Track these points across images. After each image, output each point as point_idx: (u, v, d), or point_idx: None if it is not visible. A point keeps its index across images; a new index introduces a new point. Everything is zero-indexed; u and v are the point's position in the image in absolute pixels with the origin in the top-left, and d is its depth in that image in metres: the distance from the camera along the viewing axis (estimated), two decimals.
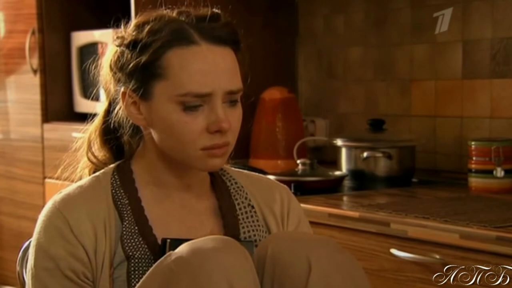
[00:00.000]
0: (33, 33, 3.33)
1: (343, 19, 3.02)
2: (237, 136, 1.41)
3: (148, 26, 1.37)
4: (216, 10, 1.40)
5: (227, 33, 1.38)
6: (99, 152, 1.50)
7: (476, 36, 2.58)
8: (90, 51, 3.20)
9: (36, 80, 3.35)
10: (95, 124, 1.50)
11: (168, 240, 1.34)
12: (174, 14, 1.39)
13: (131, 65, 1.37)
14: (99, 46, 3.15)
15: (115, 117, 1.45)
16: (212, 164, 1.39)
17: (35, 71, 3.35)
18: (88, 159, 1.50)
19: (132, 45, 1.37)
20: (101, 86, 1.48)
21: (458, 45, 2.63)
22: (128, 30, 1.40)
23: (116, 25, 1.48)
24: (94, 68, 1.49)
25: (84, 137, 1.51)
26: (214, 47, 1.36)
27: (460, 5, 2.62)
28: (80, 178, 1.51)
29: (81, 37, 3.28)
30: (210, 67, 1.35)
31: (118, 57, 1.40)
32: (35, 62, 3.35)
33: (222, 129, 1.35)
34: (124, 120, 1.44)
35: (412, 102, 2.79)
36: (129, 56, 1.37)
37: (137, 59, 1.36)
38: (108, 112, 1.48)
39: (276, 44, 3.15)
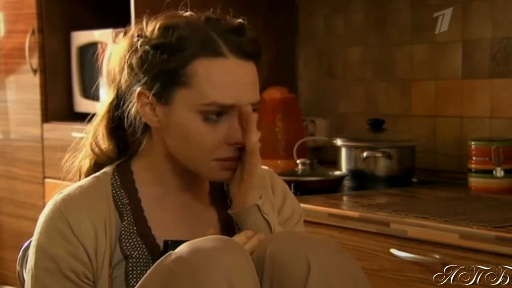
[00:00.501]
0: (33, 33, 3.33)
1: (343, 19, 3.02)
2: None
3: (177, 32, 1.36)
4: (242, 21, 1.41)
5: (254, 48, 1.40)
6: (103, 143, 1.48)
7: (476, 36, 2.58)
8: (90, 51, 3.20)
9: (36, 80, 3.35)
10: (101, 115, 1.48)
11: (169, 242, 1.34)
12: (202, 20, 1.39)
13: (156, 67, 1.36)
14: (99, 46, 3.15)
15: (127, 115, 1.42)
16: (221, 176, 1.40)
17: (35, 71, 3.35)
18: (91, 148, 1.48)
19: (160, 48, 1.36)
20: (106, 77, 1.47)
21: (458, 45, 2.63)
22: (155, 31, 1.38)
23: (122, 26, 1.47)
24: (102, 61, 1.48)
25: (89, 128, 1.49)
26: (241, 61, 1.37)
27: (460, 5, 2.62)
28: (80, 169, 1.50)
29: (81, 37, 3.28)
30: (236, 81, 1.36)
31: (141, 56, 1.38)
32: (35, 62, 3.35)
33: (241, 143, 1.37)
34: (137, 118, 1.42)
35: (412, 102, 2.79)
36: (155, 59, 1.36)
37: (163, 63, 1.35)
38: (115, 106, 1.46)
39: (276, 44, 3.15)
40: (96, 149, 1.48)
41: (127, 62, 1.40)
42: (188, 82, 1.35)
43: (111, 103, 1.47)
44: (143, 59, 1.37)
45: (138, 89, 1.38)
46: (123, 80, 1.42)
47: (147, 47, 1.37)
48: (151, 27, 1.39)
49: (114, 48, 1.44)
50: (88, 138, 1.49)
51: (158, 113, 1.38)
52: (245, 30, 1.40)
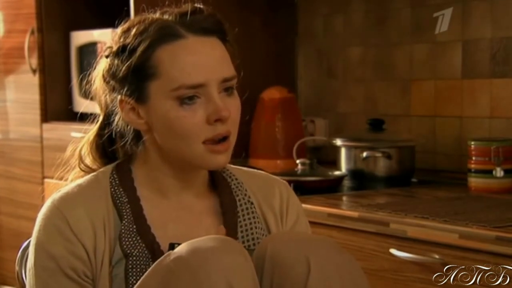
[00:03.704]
0: (32, 32, 3.33)
1: (343, 19, 3.01)
2: (237, 128, 1.40)
3: (134, 30, 1.38)
4: (199, 5, 1.41)
5: (212, 23, 1.39)
6: (93, 164, 1.50)
7: (476, 36, 2.58)
8: (89, 50, 3.20)
9: (35, 79, 3.35)
10: (88, 138, 1.50)
11: (175, 245, 1.33)
12: (157, 15, 1.40)
13: (123, 69, 1.37)
14: (99, 45, 3.15)
15: (115, 127, 1.44)
16: (216, 162, 1.38)
17: (34, 71, 3.35)
18: (81, 169, 1.50)
19: (121, 51, 1.38)
20: (95, 101, 1.48)
21: (458, 45, 2.63)
22: (115, 39, 1.41)
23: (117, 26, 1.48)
24: (86, 84, 1.49)
25: (75, 148, 1.51)
26: (201, 38, 1.37)
27: (460, 5, 2.62)
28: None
29: (80, 37, 3.28)
30: (200, 58, 1.35)
31: (109, 66, 1.40)
32: (34, 61, 3.34)
33: (222, 117, 1.35)
34: (125, 128, 1.43)
35: (412, 102, 2.79)
36: (120, 62, 1.38)
37: (128, 63, 1.36)
38: (103, 126, 1.48)
39: (276, 44, 3.15)
40: (88, 170, 1.49)
41: (103, 77, 1.42)
42: (156, 72, 1.35)
43: (99, 125, 1.49)
44: (112, 68, 1.39)
45: (118, 97, 1.40)
46: (107, 98, 1.44)
47: (111, 56, 1.40)
48: (114, 37, 1.42)
49: (94, 73, 1.46)
50: (77, 159, 1.50)
51: (142, 115, 1.39)
52: (201, 10, 1.40)
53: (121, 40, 1.39)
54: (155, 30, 1.36)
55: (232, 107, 1.38)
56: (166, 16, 1.39)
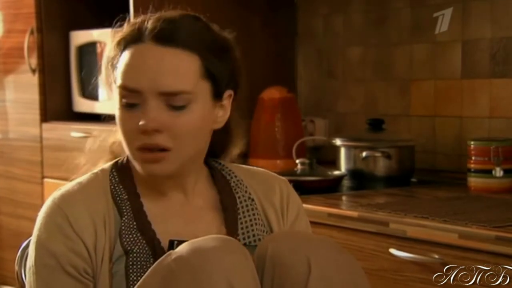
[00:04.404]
0: (31, 32, 3.33)
1: (343, 19, 3.01)
2: (187, 143, 1.37)
3: (122, 31, 1.42)
4: (190, 13, 1.41)
5: (182, 34, 1.36)
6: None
7: (476, 36, 2.58)
8: (89, 50, 3.20)
9: (34, 79, 3.35)
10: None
11: (175, 242, 1.33)
12: (147, 17, 1.41)
13: (110, 70, 1.42)
14: (98, 45, 3.15)
15: None
16: (149, 170, 1.38)
17: (33, 71, 3.35)
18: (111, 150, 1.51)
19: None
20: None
21: (457, 45, 2.63)
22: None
23: (121, 26, 1.49)
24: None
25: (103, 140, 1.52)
26: (158, 46, 1.36)
27: (460, 5, 2.62)
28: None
29: (80, 37, 3.28)
30: (142, 65, 1.35)
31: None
32: (33, 61, 3.34)
33: (145, 128, 1.34)
34: None
35: (412, 102, 2.79)
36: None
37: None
38: None
39: (275, 44, 3.16)
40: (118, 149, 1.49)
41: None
42: (116, 71, 1.39)
43: None
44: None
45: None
46: None
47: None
48: None
49: None
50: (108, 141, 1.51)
51: None
52: (183, 19, 1.39)
53: (113, 41, 1.43)
54: (127, 32, 1.39)
55: (175, 123, 1.35)
56: (146, 20, 1.39)
